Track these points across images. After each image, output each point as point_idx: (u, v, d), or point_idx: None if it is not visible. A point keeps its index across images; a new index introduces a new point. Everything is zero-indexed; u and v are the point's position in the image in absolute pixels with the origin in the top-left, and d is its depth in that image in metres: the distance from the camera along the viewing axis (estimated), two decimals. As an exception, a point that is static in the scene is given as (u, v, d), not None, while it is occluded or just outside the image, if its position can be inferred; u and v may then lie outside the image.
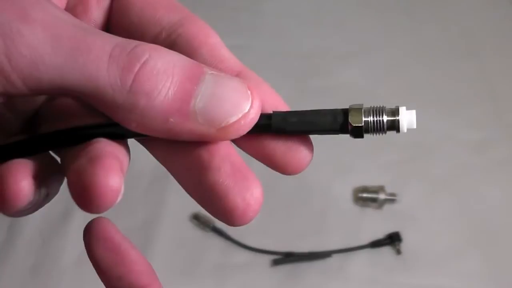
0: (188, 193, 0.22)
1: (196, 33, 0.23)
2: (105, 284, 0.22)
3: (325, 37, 0.90)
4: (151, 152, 0.23)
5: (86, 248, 0.22)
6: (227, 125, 0.20)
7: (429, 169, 0.74)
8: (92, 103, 0.20)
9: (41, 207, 0.22)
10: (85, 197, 0.19)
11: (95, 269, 0.22)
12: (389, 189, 0.70)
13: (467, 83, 0.83)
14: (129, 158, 0.22)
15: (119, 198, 0.19)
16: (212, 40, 0.24)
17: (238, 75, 0.23)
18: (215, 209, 0.21)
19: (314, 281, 0.65)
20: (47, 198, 0.22)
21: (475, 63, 0.85)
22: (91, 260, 0.22)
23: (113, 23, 0.25)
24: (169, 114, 0.20)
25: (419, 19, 0.93)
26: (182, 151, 0.22)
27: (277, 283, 0.65)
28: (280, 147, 0.22)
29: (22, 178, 0.20)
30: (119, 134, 0.21)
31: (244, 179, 0.21)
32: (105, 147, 0.20)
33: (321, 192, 0.72)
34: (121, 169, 0.19)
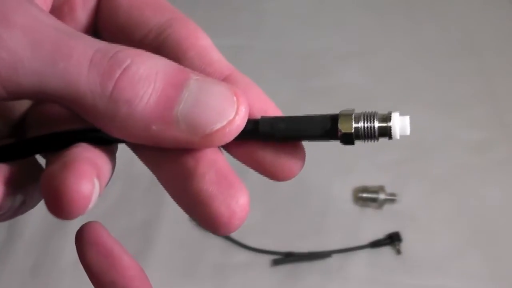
0: (175, 200, 0.22)
1: (185, 35, 0.23)
2: None
3: (325, 37, 0.90)
4: (139, 157, 0.23)
5: (78, 253, 0.22)
6: (212, 132, 0.20)
7: (429, 169, 0.74)
8: (73, 109, 0.20)
9: (20, 214, 0.22)
10: (55, 202, 0.18)
11: (87, 274, 0.22)
12: (389, 189, 0.70)
13: (467, 83, 0.83)
14: (113, 165, 0.21)
15: (90, 205, 0.18)
16: (201, 42, 0.23)
17: (227, 78, 0.22)
18: (201, 218, 0.20)
19: (314, 281, 0.65)
20: (24, 205, 0.21)
21: (475, 63, 0.85)
22: (83, 265, 0.22)
23: (101, 24, 0.25)
24: (151, 121, 0.19)
25: (419, 19, 0.93)
26: (168, 157, 0.21)
27: (277, 283, 0.65)
28: (270, 154, 0.21)
29: None
30: (102, 139, 0.21)
31: (229, 186, 0.20)
32: (82, 152, 0.20)
33: (321, 192, 0.72)
34: (97, 175, 0.19)
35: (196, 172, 0.20)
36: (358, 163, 0.74)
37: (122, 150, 0.23)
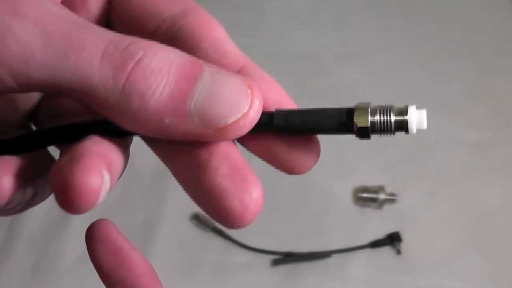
0: (187, 193, 0.21)
1: (199, 26, 0.23)
2: (107, 287, 0.22)
3: (325, 37, 0.90)
4: (152, 149, 0.22)
5: (88, 251, 0.22)
6: (226, 125, 0.19)
7: (429, 169, 0.74)
8: (85, 101, 0.20)
9: (31, 206, 0.22)
10: (63, 196, 0.18)
11: (97, 271, 0.22)
12: (389, 189, 0.70)
13: (467, 83, 0.83)
14: (126, 158, 0.21)
15: (100, 199, 0.18)
16: (215, 33, 0.23)
17: (241, 70, 0.22)
18: (213, 211, 0.20)
19: (314, 281, 0.65)
20: (35, 198, 0.21)
21: (475, 63, 0.85)
22: (93, 263, 0.22)
23: (114, 15, 0.24)
24: (164, 115, 0.19)
25: (419, 20, 0.93)
26: (181, 149, 0.21)
27: (277, 283, 0.65)
28: (284, 147, 0.21)
29: (3, 175, 0.19)
30: (115, 132, 0.20)
31: (242, 180, 0.20)
32: (92, 145, 0.19)
33: (321, 192, 0.72)
34: (107, 168, 0.19)
35: (209, 165, 0.20)
36: (358, 163, 0.74)
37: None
